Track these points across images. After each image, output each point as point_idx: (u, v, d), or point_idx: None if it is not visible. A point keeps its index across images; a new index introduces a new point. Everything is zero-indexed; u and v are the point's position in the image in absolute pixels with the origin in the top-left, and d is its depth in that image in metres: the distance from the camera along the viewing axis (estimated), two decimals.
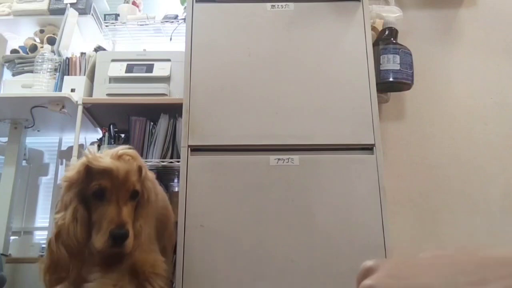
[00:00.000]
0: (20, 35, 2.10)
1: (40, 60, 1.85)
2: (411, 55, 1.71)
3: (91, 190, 1.03)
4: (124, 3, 2.14)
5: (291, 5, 1.50)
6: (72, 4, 1.97)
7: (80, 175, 1.04)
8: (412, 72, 1.70)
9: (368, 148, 1.36)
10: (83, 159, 1.05)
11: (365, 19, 1.49)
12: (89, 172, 1.04)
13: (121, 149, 1.09)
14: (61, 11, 1.97)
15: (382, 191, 1.30)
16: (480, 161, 1.83)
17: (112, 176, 1.03)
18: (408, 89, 1.74)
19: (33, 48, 1.97)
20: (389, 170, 1.73)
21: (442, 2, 2.01)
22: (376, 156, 1.34)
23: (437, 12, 2.01)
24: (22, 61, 1.94)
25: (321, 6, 1.51)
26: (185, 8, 1.88)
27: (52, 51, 1.93)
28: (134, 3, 2.13)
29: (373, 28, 1.72)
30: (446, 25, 2.00)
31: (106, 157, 1.06)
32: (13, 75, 1.94)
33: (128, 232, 1.00)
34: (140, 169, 1.10)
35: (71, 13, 1.94)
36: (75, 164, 1.09)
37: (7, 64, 1.98)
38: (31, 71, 1.87)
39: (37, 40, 2.04)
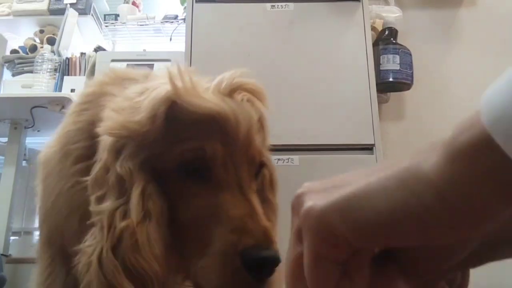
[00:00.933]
0: (20, 35, 2.10)
1: (40, 60, 1.85)
2: (411, 55, 1.71)
3: (179, 159, 0.50)
4: (124, 3, 2.14)
5: (291, 5, 1.50)
6: (72, 4, 1.97)
7: (156, 125, 0.49)
8: (412, 72, 1.70)
9: (368, 148, 1.36)
10: (165, 89, 0.50)
11: (365, 19, 1.49)
12: (173, 119, 0.50)
13: (233, 74, 0.57)
14: (61, 11, 1.97)
15: None
16: None
17: (227, 131, 0.51)
18: (408, 89, 1.74)
19: (33, 48, 1.97)
20: None
21: (442, 2, 2.01)
22: (376, 156, 1.34)
23: (437, 12, 2.01)
24: (22, 61, 1.94)
25: (321, 6, 1.51)
26: (185, 8, 1.88)
27: (52, 51, 1.93)
28: (134, 3, 2.13)
29: (373, 28, 1.72)
30: (446, 25, 2.00)
31: (206, 86, 0.54)
32: (13, 75, 1.94)
33: (279, 254, 0.47)
34: (261, 120, 0.60)
35: (71, 13, 1.94)
36: (140, 95, 0.53)
37: (7, 64, 1.98)
38: (31, 71, 1.87)
39: (37, 40, 2.04)
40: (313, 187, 0.30)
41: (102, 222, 0.48)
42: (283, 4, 1.51)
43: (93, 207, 0.50)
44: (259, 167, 0.57)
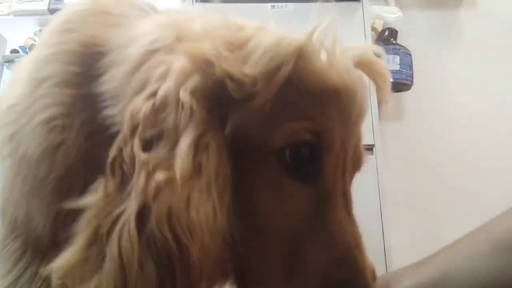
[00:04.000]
0: (20, 35, 2.10)
1: None
2: (410, 55, 1.71)
3: (284, 141, 0.36)
4: None
5: (291, 5, 1.50)
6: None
7: (271, 87, 0.35)
8: (412, 73, 1.71)
9: (367, 149, 1.36)
10: (297, 39, 0.38)
11: (365, 19, 1.49)
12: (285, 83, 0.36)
13: (364, 46, 0.45)
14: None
15: (382, 192, 1.31)
16: (480, 161, 1.83)
17: (349, 117, 0.38)
18: (408, 89, 1.75)
19: (33, 48, 1.97)
20: (389, 171, 1.73)
21: (442, 2, 2.01)
22: (375, 157, 1.34)
23: (437, 12, 2.01)
24: None
25: (321, 7, 1.51)
26: None
27: None
28: None
29: (373, 29, 1.72)
30: (446, 25, 2.00)
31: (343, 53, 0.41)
32: None
33: None
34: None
35: None
36: (243, 31, 0.41)
37: (7, 64, 1.98)
38: None
39: (37, 40, 2.04)
40: (399, 270, 0.28)
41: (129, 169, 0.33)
42: (283, 4, 1.51)
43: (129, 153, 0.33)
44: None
